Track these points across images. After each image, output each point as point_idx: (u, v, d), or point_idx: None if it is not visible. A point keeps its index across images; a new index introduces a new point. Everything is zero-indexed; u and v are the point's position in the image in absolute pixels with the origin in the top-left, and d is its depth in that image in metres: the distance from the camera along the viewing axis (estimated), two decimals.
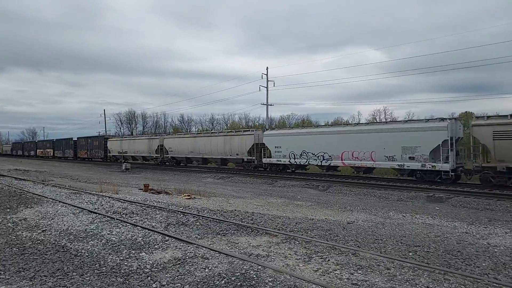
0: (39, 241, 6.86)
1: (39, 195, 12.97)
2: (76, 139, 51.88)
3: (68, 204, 10.92)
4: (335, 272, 5.18)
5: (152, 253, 6.11)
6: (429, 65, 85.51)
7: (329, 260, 5.73)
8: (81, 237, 7.14)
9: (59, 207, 10.48)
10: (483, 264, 5.69)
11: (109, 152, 42.20)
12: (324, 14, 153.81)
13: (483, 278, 4.96)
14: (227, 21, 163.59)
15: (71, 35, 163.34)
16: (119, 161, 40.63)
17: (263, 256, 5.92)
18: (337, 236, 7.44)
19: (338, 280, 4.88)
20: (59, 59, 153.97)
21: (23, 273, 5.19)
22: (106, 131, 65.79)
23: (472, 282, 4.82)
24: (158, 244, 6.60)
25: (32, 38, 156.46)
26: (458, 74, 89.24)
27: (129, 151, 38.78)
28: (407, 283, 4.77)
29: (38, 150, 63.98)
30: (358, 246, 6.65)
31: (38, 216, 9.30)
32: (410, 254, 6.23)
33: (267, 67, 39.04)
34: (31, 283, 4.81)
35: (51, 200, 11.87)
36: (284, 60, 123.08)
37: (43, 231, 7.69)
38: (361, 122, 22.30)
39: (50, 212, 9.77)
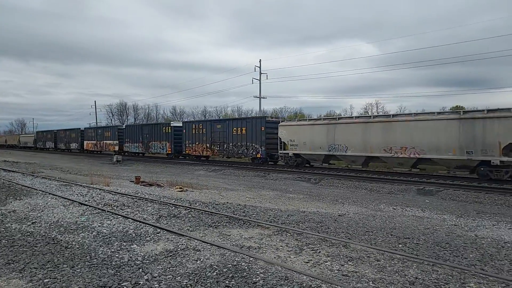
0: (28, 233, 6.79)
1: (29, 187, 12.82)
2: (180, 125, 30.65)
3: (58, 196, 10.81)
4: (326, 263, 5.24)
5: (144, 245, 6.10)
6: (421, 59, 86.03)
7: (320, 252, 5.78)
8: (71, 229, 7.09)
9: (49, 199, 10.37)
10: (471, 256, 5.80)
11: (283, 148, 22.04)
12: (314, 7, 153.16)
13: (470, 269, 5.05)
14: (217, 11, 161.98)
15: (58, 25, 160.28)
16: (317, 165, 21.67)
17: (255, 248, 5.95)
18: (328, 228, 7.50)
19: (328, 271, 4.93)
20: (46, 49, 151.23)
21: (12, 265, 5.14)
22: (96, 123, 65.09)
23: (459, 273, 4.91)
24: (149, 236, 6.59)
25: (17, 27, 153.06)
26: (449, 68, 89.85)
27: (354, 145, 18.16)
28: (397, 274, 4.84)
29: (86, 143, 43.03)
30: (349, 238, 6.72)
31: (28, 208, 9.20)
32: (400, 246, 6.31)
33: (260, 60, 38.91)
34: (21, 275, 4.77)
35: (41, 192, 11.74)
36: (275, 52, 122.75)
37: (33, 223, 7.62)
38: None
39: (40, 204, 9.67)
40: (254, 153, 23.97)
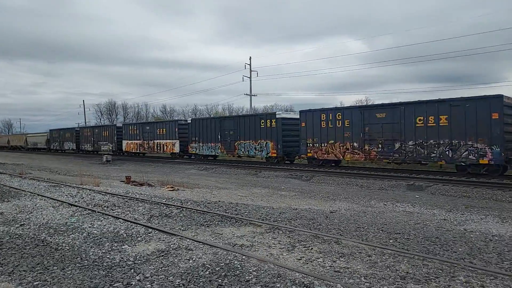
0: (17, 236, 6.69)
1: (17, 189, 12.61)
2: (293, 116, 23.10)
3: (47, 197, 10.66)
4: (318, 260, 5.27)
5: (135, 245, 6.05)
6: (408, 56, 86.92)
7: (312, 248, 5.81)
8: (61, 231, 7.00)
9: (38, 201, 10.22)
10: (460, 249, 5.90)
11: None
12: (301, 4, 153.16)
13: (459, 263, 5.14)
14: (203, 8, 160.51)
15: (42, 23, 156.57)
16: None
17: (247, 246, 5.95)
18: (320, 225, 7.55)
19: (321, 268, 4.97)
20: (30, 47, 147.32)
21: (1, 268, 5.05)
22: (85, 123, 64.31)
23: (449, 267, 4.99)
24: (141, 236, 6.54)
25: (0, 25, 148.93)
26: (437, 64, 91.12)
27: None
28: (388, 269, 4.89)
29: (126, 143, 34.12)
30: (340, 235, 6.77)
31: (16, 210, 9.05)
32: (391, 241, 6.38)
33: (250, 57, 38.78)
34: (10, 278, 4.69)
35: (29, 193, 11.56)
36: (264, 50, 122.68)
37: (21, 225, 7.50)
38: None
39: (29, 205, 9.53)
40: (472, 156, 14.66)
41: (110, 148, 36.17)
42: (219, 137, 25.41)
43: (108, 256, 5.50)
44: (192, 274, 4.71)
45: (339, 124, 18.93)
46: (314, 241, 6.27)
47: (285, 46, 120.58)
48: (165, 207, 9.26)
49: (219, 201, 10.35)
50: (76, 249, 5.86)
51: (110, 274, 4.76)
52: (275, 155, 22.23)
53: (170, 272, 4.81)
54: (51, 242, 6.27)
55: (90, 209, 8.88)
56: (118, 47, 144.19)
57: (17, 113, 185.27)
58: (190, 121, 28.34)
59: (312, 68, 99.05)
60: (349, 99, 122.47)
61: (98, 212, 8.58)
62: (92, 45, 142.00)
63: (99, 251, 5.71)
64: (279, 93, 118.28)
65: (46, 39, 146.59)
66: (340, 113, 19.06)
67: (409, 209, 9.76)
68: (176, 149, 28.85)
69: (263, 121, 22.78)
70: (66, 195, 11.11)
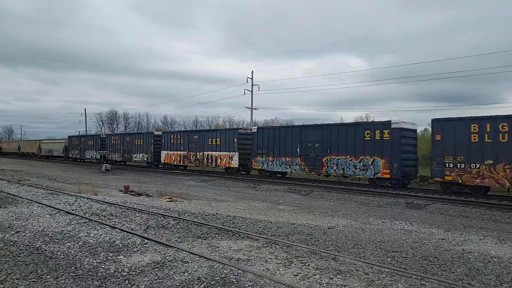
0: (12, 243, 6.63)
1: (14, 195, 12.56)
2: (409, 126, 17.90)
3: (45, 205, 10.61)
4: (315, 276, 5.21)
5: (131, 256, 6.00)
6: (407, 75, 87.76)
7: (309, 264, 5.76)
8: (57, 239, 6.95)
9: (35, 208, 10.17)
10: (458, 270, 5.84)
11: None
12: (303, 20, 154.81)
13: (458, 284, 5.08)
14: (206, 22, 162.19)
15: (46, 31, 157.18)
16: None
17: (244, 260, 5.90)
18: (317, 240, 7.49)
19: (317, 284, 4.91)
20: (34, 55, 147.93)
21: None
22: (86, 131, 64.41)
23: (446, 287, 4.93)
24: (137, 247, 6.49)
25: (4, 33, 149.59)
26: (435, 84, 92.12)
27: None
28: None
29: (165, 153, 29.65)
30: (338, 251, 6.72)
31: (12, 216, 9.00)
32: (389, 259, 6.33)
33: (252, 71, 39.17)
34: (2, 286, 4.64)
35: (26, 200, 11.51)
36: (265, 64, 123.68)
37: (16, 232, 7.45)
38: None
39: (25, 212, 9.47)
40: None
41: (145, 159, 31.90)
42: (298, 150, 20.51)
43: (103, 266, 5.45)
44: (187, 287, 4.65)
45: (503, 138, 13.95)
46: (312, 257, 6.21)
47: (287, 61, 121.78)
48: (162, 218, 9.21)
49: (217, 213, 10.30)
50: (71, 258, 5.81)
51: (104, 285, 4.71)
52: (388, 175, 17.29)
53: (164, 284, 4.75)
54: (46, 250, 6.22)
55: (87, 218, 8.83)
56: (121, 58, 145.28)
57: (18, 120, 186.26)
58: (255, 130, 23.43)
59: (312, 84, 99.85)
60: (349, 116, 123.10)
61: (95, 221, 8.53)
62: (95, 54, 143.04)
63: (94, 261, 5.66)
64: (279, 107, 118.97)
65: (49, 48, 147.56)
66: (506, 124, 13.90)
67: (407, 228, 9.70)
68: (234, 163, 24.23)
69: (368, 131, 17.79)
70: (64, 203, 11.06)
